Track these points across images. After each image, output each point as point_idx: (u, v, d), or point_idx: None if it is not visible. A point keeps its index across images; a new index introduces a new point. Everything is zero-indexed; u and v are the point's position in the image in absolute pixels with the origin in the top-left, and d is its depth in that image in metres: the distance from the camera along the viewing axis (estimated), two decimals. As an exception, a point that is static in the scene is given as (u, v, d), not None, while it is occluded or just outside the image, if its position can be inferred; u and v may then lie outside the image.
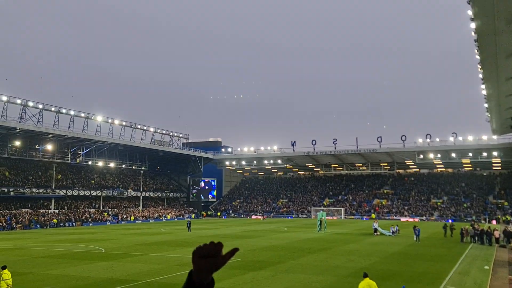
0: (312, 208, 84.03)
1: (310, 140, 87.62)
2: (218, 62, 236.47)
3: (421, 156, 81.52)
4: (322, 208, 79.80)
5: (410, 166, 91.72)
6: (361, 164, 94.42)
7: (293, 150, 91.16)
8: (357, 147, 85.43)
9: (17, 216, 62.34)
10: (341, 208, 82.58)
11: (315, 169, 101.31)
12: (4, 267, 16.57)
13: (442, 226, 45.31)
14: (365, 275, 14.07)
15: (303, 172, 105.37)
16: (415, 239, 37.96)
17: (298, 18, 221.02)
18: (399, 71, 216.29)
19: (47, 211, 68.70)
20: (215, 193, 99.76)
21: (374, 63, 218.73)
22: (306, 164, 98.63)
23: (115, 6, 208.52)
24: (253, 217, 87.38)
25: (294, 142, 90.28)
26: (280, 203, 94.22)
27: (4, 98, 60.89)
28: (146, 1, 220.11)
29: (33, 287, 18.91)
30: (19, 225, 59.75)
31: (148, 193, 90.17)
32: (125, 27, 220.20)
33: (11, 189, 64.64)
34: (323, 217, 51.30)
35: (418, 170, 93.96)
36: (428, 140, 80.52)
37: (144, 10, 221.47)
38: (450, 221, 62.00)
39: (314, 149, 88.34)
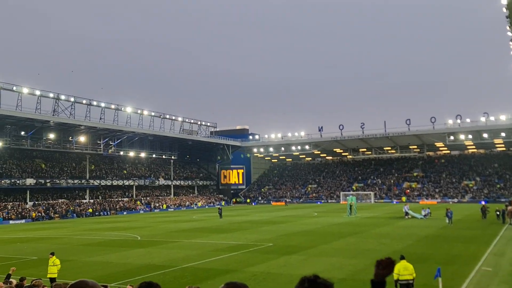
0: (341, 193, 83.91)
1: (337, 125, 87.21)
2: (244, 49, 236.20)
3: (452, 137, 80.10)
4: (351, 192, 79.59)
5: (440, 148, 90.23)
6: (389, 148, 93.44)
7: (321, 136, 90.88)
8: (385, 131, 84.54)
9: (54, 206, 64.51)
10: (371, 192, 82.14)
11: (343, 153, 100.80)
12: (52, 254, 17.40)
13: (480, 208, 43.81)
14: (402, 258, 14.19)
15: (331, 157, 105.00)
16: (447, 221, 37.61)
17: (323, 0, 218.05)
18: (427, 51, 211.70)
19: (82, 201, 70.82)
20: (244, 180, 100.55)
21: (399, 44, 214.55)
22: (334, 149, 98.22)
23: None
24: (273, 203, 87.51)
25: (321, 127, 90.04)
26: (309, 188, 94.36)
27: (38, 92, 62.67)
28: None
29: (76, 273, 19.79)
30: (56, 215, 61.88)
31: (179, 181, 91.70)
32: (151, 17, 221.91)
33: (47, 181, 66.83)
34: (353, 202, 51.29)
35: (448, 152, 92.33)
36: (459, 121, 78.94)
37: None
38: (483, 202, 60.97)
39: (341, 134, 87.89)
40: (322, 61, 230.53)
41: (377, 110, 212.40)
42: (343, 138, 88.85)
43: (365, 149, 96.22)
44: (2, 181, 61.28)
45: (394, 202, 77.38)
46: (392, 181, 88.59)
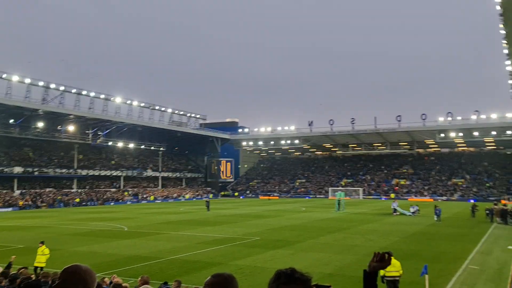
0: (330, 188, 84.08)
1: (327, 120, 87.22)
2: (234, 41, 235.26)
3: (442, 135, 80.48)
4: (340, 188, 79.73)
5: (431, 146, 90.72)
6: (380, 144, 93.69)
7: (310, 130, 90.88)
8: (375, 127, 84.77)
9: (42, 195, 63.86)
10: (359, 188, 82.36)
11: (332, 149, 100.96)
12: (42, 243, 17.21)
13: (471, 207, 43.12)
14: (389, 254, 14.16)
15: (320, 152, 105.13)
16: (435, 219, 37.84)
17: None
18: (418, 47, 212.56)
19: (70, 190, 70.20)
20: (232, 173, 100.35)
21: (391, 39, 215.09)
22: (324, 144, 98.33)
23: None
24: (261, 197, 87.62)
25: (311, 122, 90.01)
26: (297, 183, 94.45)
27: (27, 81, 61.90)
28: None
29: (63, 262, 19.53)
30: (43, 204, 61.28)
31: (167, 173, 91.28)
32: (141, 5, 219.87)
33: (35, 169, 66.13)
34: (341, 197, 51.41)
35: (438, 149, 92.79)
36: (450, 118, 79.36)
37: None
38: (472, 201, 61.52)
39: (331, 129, 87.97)
40: (314, 56, 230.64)
41: (368, 106, 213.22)
42: (333, 133, 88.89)
43: (355, 145, 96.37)
44: (-12, 169, 60.47)
45: (383, 199, 77.75)
46: (381, 177, 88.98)
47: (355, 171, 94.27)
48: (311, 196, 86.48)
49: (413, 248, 23.46)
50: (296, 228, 33.00)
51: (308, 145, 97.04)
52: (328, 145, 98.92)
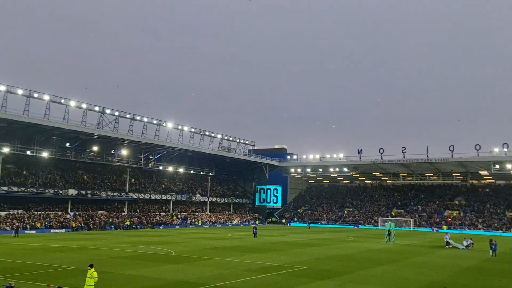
0: (379, 218, 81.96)
1: (377, 149, 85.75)
2: (283, 68, 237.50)
3: (497, 166, 77.14)
4: (389, 218, 77.67)
5: (485, 177, 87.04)
6: (431, 174, 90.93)
7: (360, 158, 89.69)
8: (427, 156, 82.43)
9: (93, 218, 66.02)
10: (410, 219, 79.80)
11: (382, 177, 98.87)
12: (91, 266, 17.67)
13: None
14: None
15: (370, 181, 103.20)
16: (491, 254, 35.96)
17: (365, 23, 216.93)
18: (471, 75, 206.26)
19: (121, 213, 72.18)
20: (280, 200, 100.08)
21: (444, 68, 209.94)
22: (373, 173, 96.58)
23: (185, 14, 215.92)
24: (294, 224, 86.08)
25: (361, 150, 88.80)
26: (346, 212, 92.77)
27: (84, 106, 64.92)
28: (218, 11, 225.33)
29: (111, 286, 20.04)
30: (95, 226, 63.25)
31: (215, 198, 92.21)
32: (194, 35, 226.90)
33: (88, 192, 68.65)
34: (391, 228, 50.00)
35: (493, 181, 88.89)
36: (505, 149, 76.02)
37: (209, 15, 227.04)
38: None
39: (381, 158, 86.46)
40: (363, 84, 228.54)
41: (419, 135, 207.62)
42: (383, 162, 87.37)
43: (405, 174, 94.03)
44: (46, 191, 63.38)
45: (435, 231, 74.86)
46: (433, 208, 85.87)
47: (405, 201, 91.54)
48: (359, 225, 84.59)
49: (467, 284, 22.38)
50: (344, 258, 32.29)
51: (357, 173, 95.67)
52: (377, 174, 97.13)
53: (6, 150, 58.77)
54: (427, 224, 79.83)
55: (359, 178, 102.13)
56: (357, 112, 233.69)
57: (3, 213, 57.11)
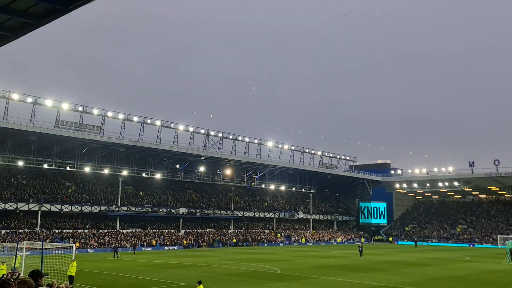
0: (498, 236, 75.39)
1: (491, 160, 79.47)
2: (381, 81, 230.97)
3: None
4: (511, 236, 71.08)
5: None
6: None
7: (472, 171, 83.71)
8: (552, 167, 74.59)
9: (203, 235, 69.10)
10: (535, 237, 72.36)
11: (499, 192, 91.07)
12: (199, 282, 18.60)
13: None
14: None
15: (484, 195, 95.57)
16: None
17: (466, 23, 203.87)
18: None
19: (227, 231, 74.68)
20: (385, 217, 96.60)
21: None
22: (489, 187, 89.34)
23: (282, 34, 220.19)
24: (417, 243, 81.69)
25: (473, 162, 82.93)
26: (459, 229, 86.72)
27: (191, 129, 68.80)
28: (318, 29, 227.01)
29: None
30: (204, 244, 66.12)
31: (318, 215, 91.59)
32: (291, 52, 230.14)
33: (197, 211, 72.16)
34: (513, 247, 45.73)
35: None
36: None
37: (307, 34, 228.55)
38: None
39: (497, 170, 79.86)
40: (473, 90, 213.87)
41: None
42: (499, 175, 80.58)
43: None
44: (160, 210, 67.85)
45: None
46: (562, 225, 77.17)
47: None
48: (475, 244, 78.54)
49: None
50: (460, 280, 30.23)
51: (469, 188, 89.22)
52: (493, 188, 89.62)
53: (125, 172, 64.18)
54: (555, 243, 71.73)
55: (472, 193, 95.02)
56: (467, 122, 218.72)
57: (124, 231, 62.12)
